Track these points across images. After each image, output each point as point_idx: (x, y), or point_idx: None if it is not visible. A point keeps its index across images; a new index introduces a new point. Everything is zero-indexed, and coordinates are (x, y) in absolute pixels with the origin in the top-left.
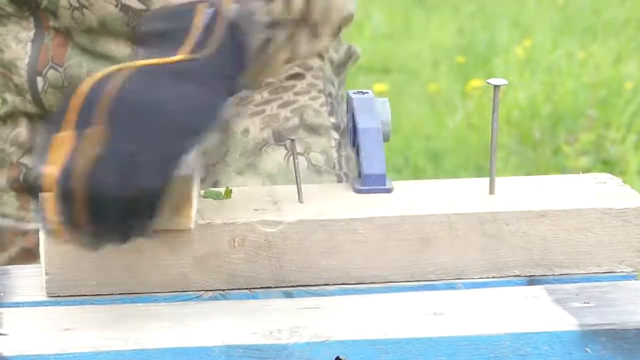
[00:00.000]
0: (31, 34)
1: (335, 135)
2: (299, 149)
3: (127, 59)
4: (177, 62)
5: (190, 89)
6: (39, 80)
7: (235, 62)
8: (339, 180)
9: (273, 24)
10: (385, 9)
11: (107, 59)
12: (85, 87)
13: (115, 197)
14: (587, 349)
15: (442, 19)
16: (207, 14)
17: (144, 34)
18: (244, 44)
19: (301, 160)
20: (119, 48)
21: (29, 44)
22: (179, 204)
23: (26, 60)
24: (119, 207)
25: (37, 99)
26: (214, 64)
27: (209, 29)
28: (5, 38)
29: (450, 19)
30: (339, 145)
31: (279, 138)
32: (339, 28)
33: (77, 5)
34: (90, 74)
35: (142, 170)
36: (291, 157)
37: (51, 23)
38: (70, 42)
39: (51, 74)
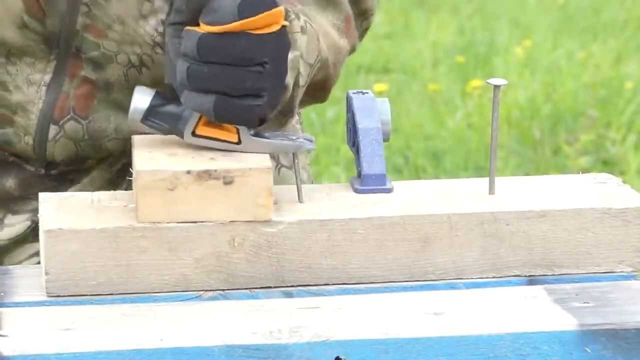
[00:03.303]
0: (47, 77)
1: (306, 154)
2: (286, 162)
3: None
4: None
5: None
6: (53, 128)
7: None
8: None
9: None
10: (385, 9)
11: None
12: None
13: None
14: (587, 348)
15: (442, 19)
16: None
17: None
18: None
19: (290, 174)
20: None
21: (43, 88)
22: (259, 196)
23: (39, 105)
24: None
25: (42, 146)
26: None
27: None
28: (15, 78)
29: (450, 19)
30: (308, 166)
31: None
32: None
33: (137, 63)
34: (118, 129)
35: None
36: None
37: (84, 73)
38: (97, 95)
39: (70, 125)
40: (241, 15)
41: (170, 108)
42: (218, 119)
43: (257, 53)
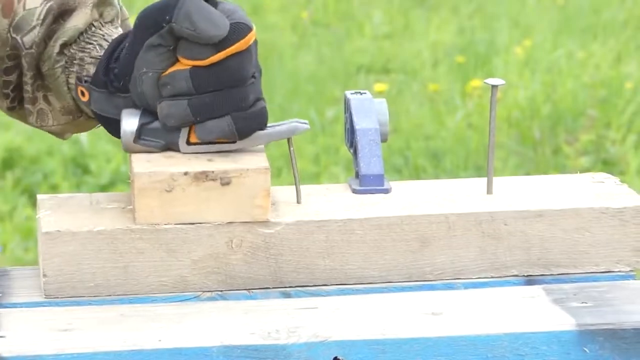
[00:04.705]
0: None
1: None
2: None
3: None
4: None
5: None
6: None
7: None
8: None
9: None
10: (385, 9)
11: None
12: None
13: None
14: (585, 348)
15: (442, 19)
16: None
17: None
18: None
19: None
20: None
21: None
22: (257, 196)
23: None
24: None
25: None
26: None
27: None
28: None
29: (450, 19)
30: None
31: None
32: None
33: None
34: None
35: None
36: None
37: None
38: None
39: None
40: (219, 50)
41: (160, 123)
42: (241, 136)
43: (247, 70)
